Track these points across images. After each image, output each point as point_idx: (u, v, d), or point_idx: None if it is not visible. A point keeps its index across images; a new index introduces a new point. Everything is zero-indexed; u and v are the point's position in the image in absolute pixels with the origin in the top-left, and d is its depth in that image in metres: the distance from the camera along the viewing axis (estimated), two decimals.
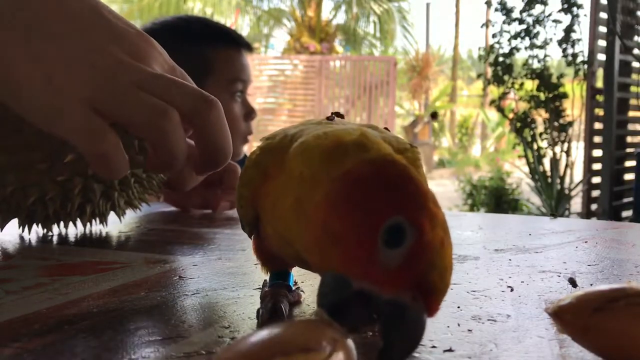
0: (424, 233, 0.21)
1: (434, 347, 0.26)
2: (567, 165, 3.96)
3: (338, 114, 0.31)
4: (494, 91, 4.43)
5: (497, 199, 4.56)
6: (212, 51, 1.06)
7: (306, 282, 0.36)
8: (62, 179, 0.44)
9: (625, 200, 3.77)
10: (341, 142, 0.25)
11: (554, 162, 3.98)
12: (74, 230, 0.54)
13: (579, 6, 3.86)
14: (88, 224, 0.51)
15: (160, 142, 0.35)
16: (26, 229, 0.49)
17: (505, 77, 4.05)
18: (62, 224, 0.50)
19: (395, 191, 0.22)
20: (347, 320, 0.21)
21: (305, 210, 0.24)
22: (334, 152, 0.24)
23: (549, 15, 3.96)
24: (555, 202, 3.85)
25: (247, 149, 1.29)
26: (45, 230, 0.52)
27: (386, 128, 0.30)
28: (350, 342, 0.19)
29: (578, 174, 4.08)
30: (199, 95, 0.36)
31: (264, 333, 0.18)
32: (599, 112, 3.72)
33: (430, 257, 0.21)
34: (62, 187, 0.44)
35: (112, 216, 0.52)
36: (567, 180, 3.96)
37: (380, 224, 0.21)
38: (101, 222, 0.51)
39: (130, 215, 0.65)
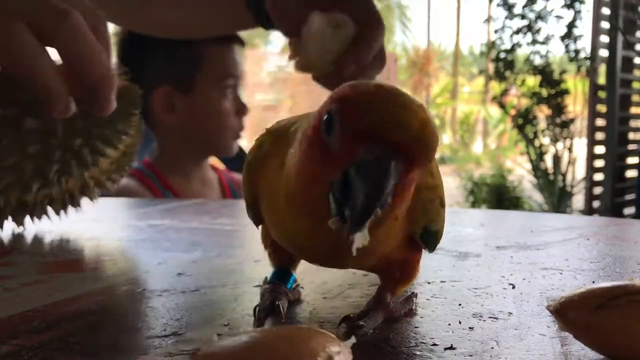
0: (346, 101, 0.23)
1: (435, 344, 0.25)
2: (569, 162, 3.95)
3: None
4: (495, 87, 4.41)
5: (498, 196, 4.55)
6: (201, 47, 1.02)
7: (306, 280, 0.36)
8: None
9: (628, 197, 3.75)
10: None
11: (556, 159, 3.96)
12: (71, 228, 0.54)
13: (582, 2, 3.85)
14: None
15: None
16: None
17: (507, 74, 4.03)
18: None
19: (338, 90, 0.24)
20: None
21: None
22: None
23: (551, 11, 3.95)
24: (557, 199, 3.84)
25: (246, 145, 1.28)
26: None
27: None
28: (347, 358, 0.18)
29: (580, 171, 4.06)
30: (48, 7, 0.35)
31: (253, 339, 0.17)
32: (601, 108, 3.70)
33: (360, 112, 0.22)
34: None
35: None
36: (569, 177, 3.95)
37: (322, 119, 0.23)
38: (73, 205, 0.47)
39: (128, 212, 0.65)
